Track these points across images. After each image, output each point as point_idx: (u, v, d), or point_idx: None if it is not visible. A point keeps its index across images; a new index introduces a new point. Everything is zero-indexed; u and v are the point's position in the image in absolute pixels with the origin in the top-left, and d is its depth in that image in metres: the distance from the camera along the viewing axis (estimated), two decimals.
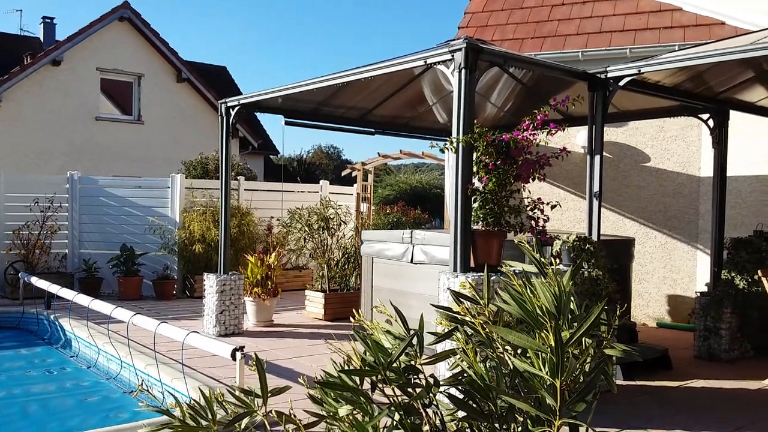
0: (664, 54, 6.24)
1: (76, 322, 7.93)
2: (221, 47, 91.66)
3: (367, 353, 1.92)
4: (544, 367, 1.88)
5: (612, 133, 9.33)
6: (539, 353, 1.91)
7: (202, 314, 8.07)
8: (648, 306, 9.13)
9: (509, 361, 2.03)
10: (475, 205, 5.23)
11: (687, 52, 5.59)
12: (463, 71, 5.01)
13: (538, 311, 1.88)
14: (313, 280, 9.61)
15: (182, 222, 10.90)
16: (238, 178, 11.90)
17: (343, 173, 14.14)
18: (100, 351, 7.11)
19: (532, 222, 5.29)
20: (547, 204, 5.35)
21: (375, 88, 7.91)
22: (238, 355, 4.48)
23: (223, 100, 7.93)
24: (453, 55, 5.07)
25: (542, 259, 2.29)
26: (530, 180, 5.31)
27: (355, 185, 13.16)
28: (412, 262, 7.14)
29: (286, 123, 8.24)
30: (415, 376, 2.10)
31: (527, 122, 5.20)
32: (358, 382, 1.91)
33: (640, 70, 5.51)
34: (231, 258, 9.98)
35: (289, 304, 10.12)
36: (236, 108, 7.75)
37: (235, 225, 10.69)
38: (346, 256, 9.40)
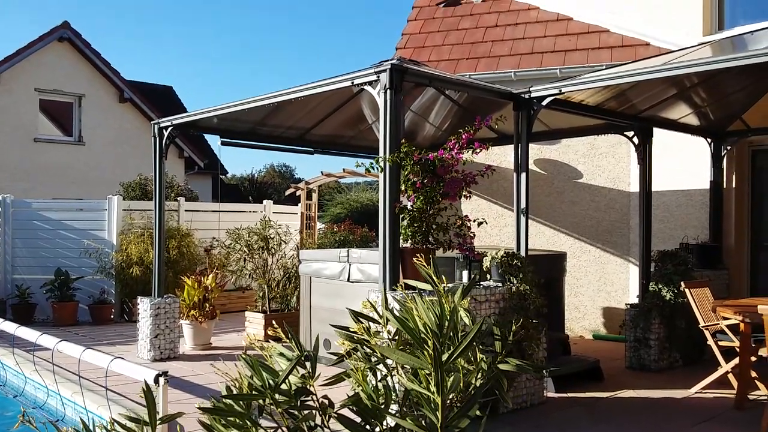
0: (590, 74, 6.46)
1: (2, 350, 7.66)
2: (169, 68, 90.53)
3: (254, 377, 1.92)
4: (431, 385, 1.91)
5: (546, 151, 9.56)
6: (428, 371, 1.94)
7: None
8: (584, 318, 9.33)
9: (401, 380, 2.06)
10: (404, 223, 5.28)
11: (604, 72, 5.80)
12: (388, 92, 5.09)
13: (421, 329, 1.92)
14: (255, 301, 9.51)
15: (119, 244, 10.68)
16: (178, 198, 11.73)
17: (287, 192, 14.10)
18: (27, 379, 6.88)
19: (460, 239, 5.36)
20: (474, 221, 5.44)
21: (312, 107, 7.95)
22: (161, 380, 4.40)
23: (156, 121, 7.85)
24: (378, 76, 5.15)
25: (435, 277, 2.33)
26: (458, 198, 5.40)
27: (300, 204, 13.12)
28: (349, 280, 7.16)
29: (223, 143, 8.19)
30: (308, 399, 2.10)
31: (453, 141, 5.30)
32: (245, 406, 1.91)
33: (561, 90, 5.68)
34: (171, 280, 9.84)
35: (231, 326, 9.99)
36: (169, 129, 7.68)
37: (175, 246, 10.53)
38: (288, 275, 9.34)
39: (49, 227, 11.13)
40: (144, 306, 7.73)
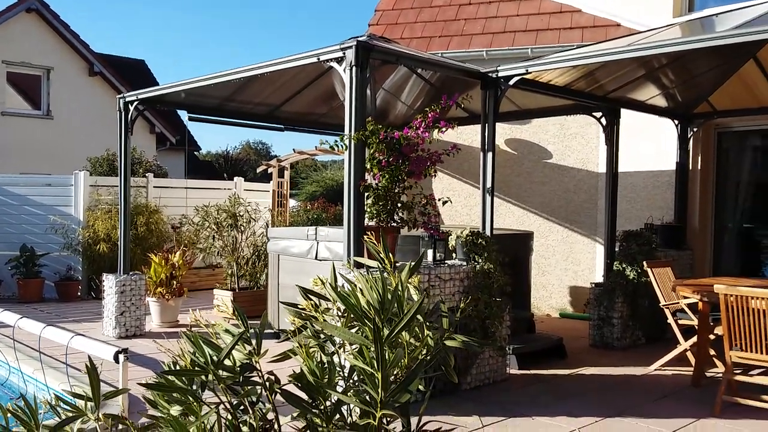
0: (557, 54, 6.46)
1: None
2: (143, 41, 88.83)
3: (197, 354, 1.91)
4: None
5: (517, 131, 9.59)
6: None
7: None
8: (551, 297, 9.45)
9: (345, 357, 2.06)
10: (369, 201, 5.28)
11: (571, 52, 5.81)
12: (354, 69, 5.04)
13: (364, 306, 1.92)
14: (223, 279, 9.48)
15: (86, 221, 10.54)
16: (147, 175, 11.58)
17: (259, 170, 13.99)
18: None
19: (425, 218, 5.37)
20: (439, 200, 5.45)
21: (282, 83, 7.87)
22: (121, 357, 4.37)
23: (121, 95, 7.72)
24: (344, 53, 5.10)
25: (383, 255, 2.33)
26: (423, 176, 5.39)
27: (271, 182, 13.04)
28: (316, 258, 7.15)
29: (190, 119, 8.10)
30: (253, 375, 2.10)
31: (419, 120, 5.29)
32: (187, 382, 1.90)
33: (527, 70, 5.68)
34: (139, 257, 9.75)
35: (200, 303, 9.91)
36: (135, 103, 7.55)
37: (143, 223, 10.42)
38: (257, 253, 9.31)
39: (15, 202, 10.94)
40: (109, 283, 7.66)
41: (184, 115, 8.60)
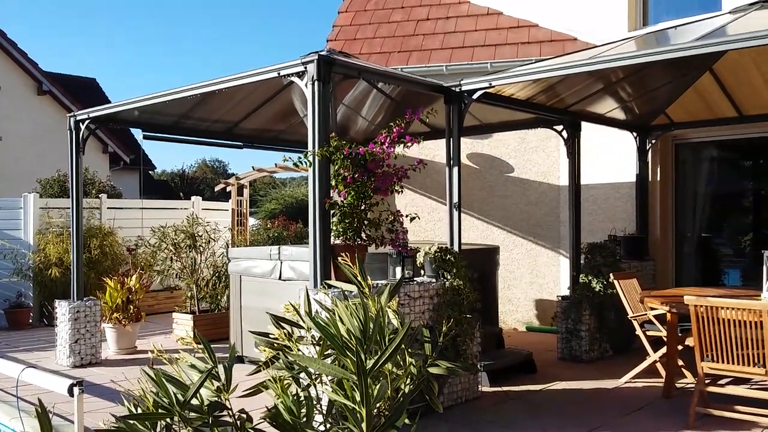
0: (519, 67, 6.45)
1: None
2: (95, 60, 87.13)
3: (160, 394, 1.74)
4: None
5: (478, 145, 9.58)
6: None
7: None
8: (518, 311, 9.41)
9: (324, 390, 1.91)
10: (335, 219, 5.13)
11: (533, 66, 5.79)
12: (316, 83, 4.92)
13: (344, 335, 1.78)
14: (182, 302, 9.17)
15: (37, 245, 10.11)
16: (100, 196, 11.20)
17: (217, 188, 13.69)
18: None
19: (392, 235, 5.25)
20: (407, 216, 5.34)
21: (239, 100, 7.69)
22: (76, 391, 4.11)
23: (72, 114, 7.43)
24: (306, 67, 4.98)
25: (361, 278, 2.20)
26: (389, 193, 5.28)
27: (230, 200, 12.77)
28: (280, 278, 6.95)
29: (145, 137, 7.84)
30: (223, 414, 1.94)
31: (384, 135, 5.18)
32: (150, 426, 1.73)
33: (491, 83, 5.64)
34: (93, 282, 9.38)
35: (158, 327, 9.61)
36: (86, 122, 7.27)
37: (97, 246, 10.04)
38: (217, 274, 9.04)
39: None
40: (62, 309, 7.32)
41: (138, 133, 8.36)
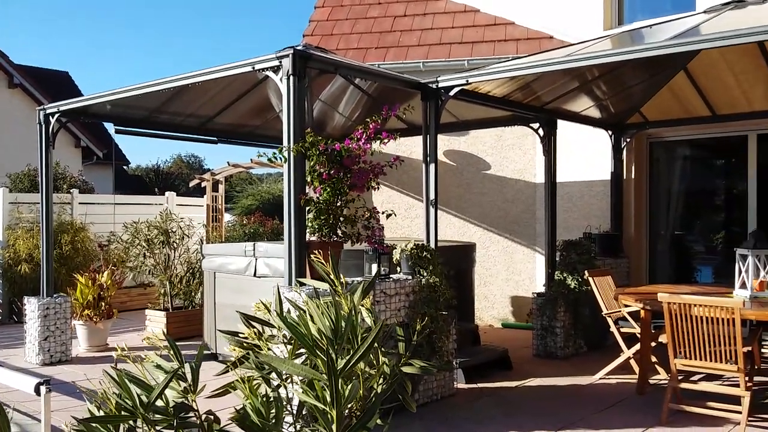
0: (496, 65, 6.44)
1: None
2: (68, 53, 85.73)
3: (123, 395, 1.69)
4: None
5: (455, 142, 9.58)
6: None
7: None
8: (494, 308, 9.44)
9: (294, 391, 1.87)
10: (310, 215, 5.08)
11: (510, 63, 5.79)
12: (291, 78, 4.86)
13: (315, 335, 1.74)
14: (155, 298, 9.04)
15: (6, 240, 9.90)
16: (72, 191, 11.00)
17: (192, 184, 13.52)
18: None
19: (368, 232, 5.21)
20: (383, 213, 5.30)
21: (213, 95, 7.59)
22: (43, 389, 4.00)
23: (42, 107, 7.27)
24: (281, 62, 4.91)
25: (334, 276, 2.15)
26: (366, 189, 5.24)
27: (205, 196, 12.62)
28: (255, 275, 6.88)
29: (117, 131, 7.69)
30: (190, 416, 1.88)
31: (360, 131, 5.14)
32: (114, 429, 1.67)
33: (467, 80, 5.63)
34: (65, 278, 9.21)
35: (131, 324, 9.47)
36: (56, 115, 7.12)
37: (68, 242, 9.86)
38: (191, 271, 8.93)
39: None
40: (31, 306, 7.17)
41: (111, 127, 8.21)
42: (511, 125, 8.08)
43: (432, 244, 5.82)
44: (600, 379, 6.33)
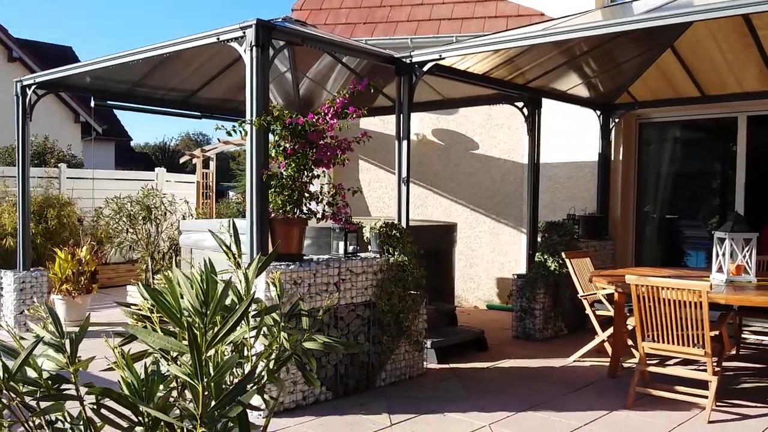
0: (470, 40, 6.29)
1: None
2: (73, 27, 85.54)
3: None
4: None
5: (443, 121, 9.44)
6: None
7: None
8: (479, 289, 9.36)
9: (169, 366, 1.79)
10: (273, 191, 4.99)
11: (484, 38, 5.64)
12: (254, 49, 4.75)
13: (189, 307, 1.66)
14: (137, 275, 9.02)
15: None
16: (60, 165, 10.96)
17: (182, 161, 13.47)
18: None
19: (334, 209, 5.12)
20: (349, 190, 5.21)
21: (196, 68, 7.50)
22: None
23: (18, 79, 7.20)
24: (245, 32, 4.80)
25: (233, 250, 2.07)
26: (332, 165, 5.14)
27: (196, 173, 12.57)
28: None
29: (96, 105, 7.62)
30: (69, 388, 1.82)
31: (327, 105, 5.03)
32: None
33: (441, 55, 5.49)
34: (50, 252, 9.19)
35: (116, 298, 9.46)
36: (33, 87, 7.05)
37: (54, 216, 9.83)
38: (174, 247, 8.89)
39: None
40: (7, 280, 7.16)
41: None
42: (496, 104, 7.94)
43: (403, 223, 5.72)
44: (574, 361, 6.25)
